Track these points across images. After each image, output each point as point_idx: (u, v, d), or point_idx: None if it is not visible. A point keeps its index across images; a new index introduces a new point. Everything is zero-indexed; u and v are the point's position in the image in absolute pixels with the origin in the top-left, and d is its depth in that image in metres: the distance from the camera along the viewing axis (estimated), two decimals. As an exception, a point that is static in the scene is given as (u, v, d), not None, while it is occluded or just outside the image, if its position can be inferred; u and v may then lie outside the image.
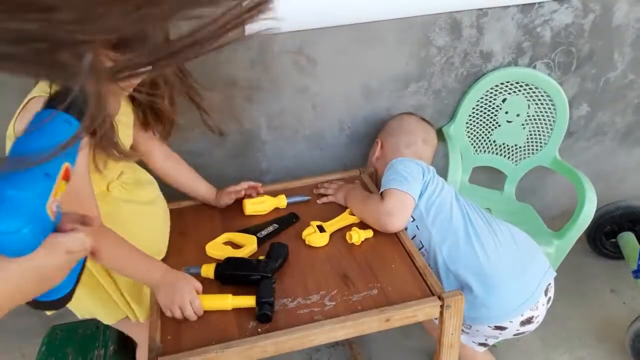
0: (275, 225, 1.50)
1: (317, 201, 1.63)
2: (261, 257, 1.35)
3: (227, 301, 1.23)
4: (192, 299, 1.21)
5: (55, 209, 0.63)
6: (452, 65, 1.95)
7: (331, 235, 1.46)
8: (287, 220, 1.53)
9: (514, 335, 1.52)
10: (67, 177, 0.64)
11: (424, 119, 1.84)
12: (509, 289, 1.45)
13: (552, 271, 1.55)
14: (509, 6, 1.87)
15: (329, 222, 1.49)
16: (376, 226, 1.46)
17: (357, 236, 1.42)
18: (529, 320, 1.48)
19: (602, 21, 1.99)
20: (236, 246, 1.42)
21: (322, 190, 1.68)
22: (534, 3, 1.88)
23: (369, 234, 1.45)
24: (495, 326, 1.48)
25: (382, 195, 1.49)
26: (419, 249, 1.46)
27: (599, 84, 2.14)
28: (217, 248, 1.42)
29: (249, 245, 1.41)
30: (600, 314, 2.15)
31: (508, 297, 1.45)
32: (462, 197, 1.60)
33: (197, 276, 1.30)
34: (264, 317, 1.19)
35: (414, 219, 1.52)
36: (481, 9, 1.85)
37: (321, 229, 1.45)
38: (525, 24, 1.92)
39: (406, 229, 1.50)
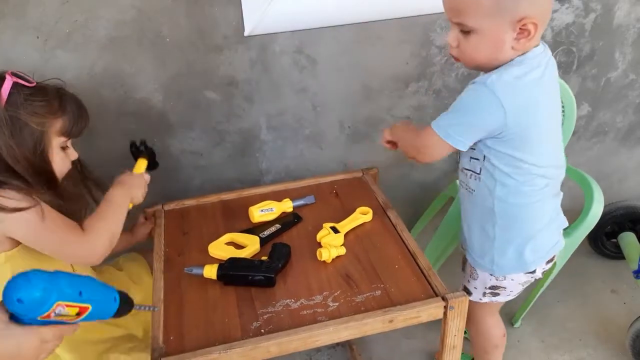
0: (278, 226, 1.48)
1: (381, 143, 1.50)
2: (264, 258, 1.34)
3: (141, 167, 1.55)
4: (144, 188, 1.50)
5: (54, 313, 0.84)
6: (453, 65, 1.94)
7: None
8: (290, 220, 1.52)
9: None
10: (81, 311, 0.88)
11: None
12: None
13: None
14: (510, 6, 1.86)
15: (341, 222, 1.47)
16: (409, 156, 1.40)
17: (327, 254, 1.36)
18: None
19: (603, 21, 1.99)
20: (239, 246, 1.41)
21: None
22: (535, 2, 1.88)
23: (341, 251, 1.39)
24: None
25: (426, 128, 1.31)
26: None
27: (600, 83, 2.14)
28: (220, 248, 1.40)
29: (251, 246, 1.40)
30: (601, 315, 2.15)
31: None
32: None
33: (200, 277, 1.30)
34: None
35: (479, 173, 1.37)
36: (482, 9, 1.85)
37: (335, 230, 1.43)
38: (526, 23, 1.92)
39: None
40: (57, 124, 1.27)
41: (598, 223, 1.84)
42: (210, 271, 1.29)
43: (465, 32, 1.19)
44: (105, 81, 1.69)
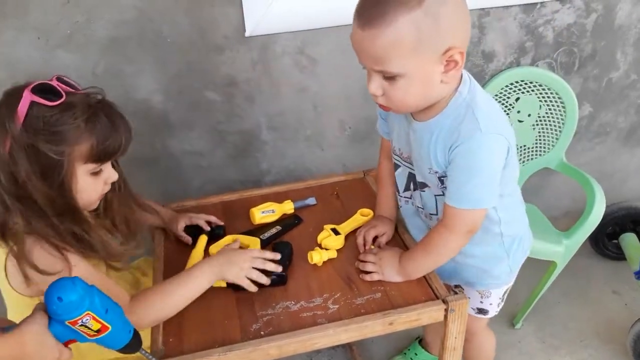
0: (278, 227, 1.48)
1: (361, 276, 1.32)
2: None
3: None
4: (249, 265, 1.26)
5: (81, 322, 0.89)
6: (454, 65, 1.93)
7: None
8: (290, 222, 1.52)
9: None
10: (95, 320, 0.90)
11: None
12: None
13: None
14: (511, 6, 1.86)
15: (342, 224, 1.47)
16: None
17: (319, 257, 1.34)
18: None
19: (605, 21, 1.98)
20: (240, 248, 1.41)
21: (361, 266, 1.34)
22: (536, 3, 1.88)
23: (332, 254, 1.37)
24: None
25: (448, 211, 1.21)
26: None
27: (602, 84, 2.13)
28: (221, 249, 1.40)
29: (252, 247, 1.39)
30: (602, 315, 2.15)
31: None
32: None
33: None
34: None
35: None
36: (483, 9, 1.84)
37: (336, 232, 1.43)
38: (528, 23, 1.91)
39: None
40: (82, 149, 1.09)
41: (599, 224, 1.84)
42: None
43: (389, 77, 1.09)
44: (106, 81, 1.68)
